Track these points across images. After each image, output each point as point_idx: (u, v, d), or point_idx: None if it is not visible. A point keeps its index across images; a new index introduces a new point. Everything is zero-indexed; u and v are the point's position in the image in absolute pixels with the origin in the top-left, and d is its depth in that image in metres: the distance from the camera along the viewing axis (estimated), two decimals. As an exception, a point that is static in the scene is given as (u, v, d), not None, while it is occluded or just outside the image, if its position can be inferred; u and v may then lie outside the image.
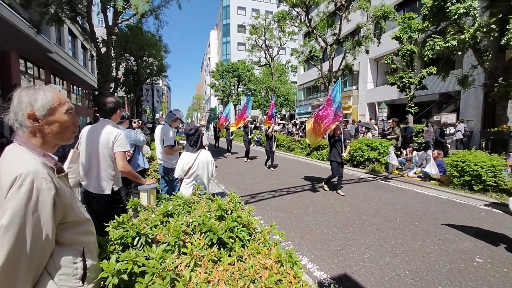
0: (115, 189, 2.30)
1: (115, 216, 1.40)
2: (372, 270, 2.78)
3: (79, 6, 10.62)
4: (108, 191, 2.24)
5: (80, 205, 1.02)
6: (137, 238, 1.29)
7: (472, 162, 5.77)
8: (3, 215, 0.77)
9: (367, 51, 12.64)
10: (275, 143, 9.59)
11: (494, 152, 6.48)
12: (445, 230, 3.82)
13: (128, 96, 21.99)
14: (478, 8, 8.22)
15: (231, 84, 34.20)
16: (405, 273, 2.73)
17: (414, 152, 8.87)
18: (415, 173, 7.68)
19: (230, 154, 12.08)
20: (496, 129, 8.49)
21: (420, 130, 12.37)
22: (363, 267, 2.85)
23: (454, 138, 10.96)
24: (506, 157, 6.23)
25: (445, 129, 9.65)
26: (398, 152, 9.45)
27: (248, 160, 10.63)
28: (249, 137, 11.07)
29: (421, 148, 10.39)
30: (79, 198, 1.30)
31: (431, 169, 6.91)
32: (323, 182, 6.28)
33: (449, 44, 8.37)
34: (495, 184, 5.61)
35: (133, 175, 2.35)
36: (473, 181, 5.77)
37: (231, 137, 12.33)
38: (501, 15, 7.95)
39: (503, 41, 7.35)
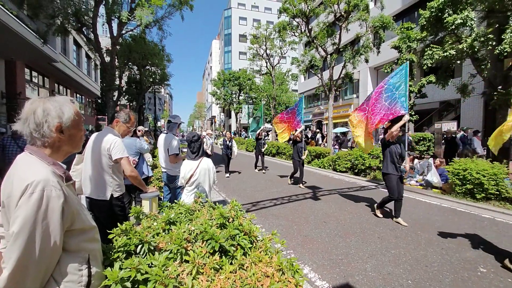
0: (115, 195, 2.32)
1: (117, 223, 1.42)
2: (374, 280, 2.75)
3: (85, 18, 10.88)
4: (106, 197, 2.27)
5: (87, 213, 1.05)
6: (140, 246, 1.30)
7: (474, 170, 5.75)
8: (14, 222, 0.80)
9: (366, 61, 12.79)
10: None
11: (496, 160, 6.46)
12: (448, 239, 3.78)
13: (131, 104, 22.21)
14: (475, 19, 8.37)
15: (233, 92, 34.55)
16: (407, 283, 2.69)
17: (416, 160, 8.86)
18: (417, 181, 7.64)
19: (302, 186, 7.28)
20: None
21: (421, 138, 12.37)
22: (365, 276, 2.82)
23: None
24: (507, 165, 6.21)
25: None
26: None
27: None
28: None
29: (423, 156, 10.38)
30: (85, 206, 1.33)
31: (433, 177, 6.89)
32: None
33: (448, 53, 8.47)
34: (498, 193, 5.57)
35: (139, 181, 2.41)
36: (475, 190, 5.74)
37: (303, 156, 7.28)
38: (498, 25, 8.08)
39: (497, 50, 7.45)
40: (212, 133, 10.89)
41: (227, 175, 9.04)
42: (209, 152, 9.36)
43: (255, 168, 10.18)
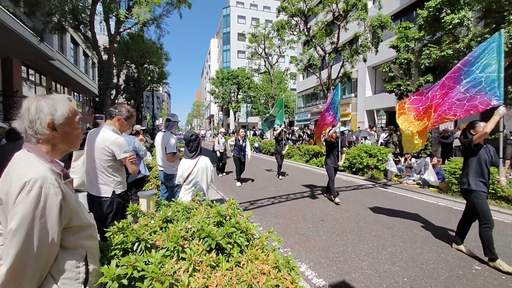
0: (117, 192, 2.31)
1: (115, 221, 1.43)
2: (371, 278, 2.78)
3: (82, 15, 10.83)
4: (107, 194, 2.26)
5: (85, 210, 1.06)
6: (136, 244, 1.31)
7: (470, 169, 5.79)
8: (12, 219, 0.81)
9: (364, 60, 12.84)
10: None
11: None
12: (444, 237, 3.82)
13: (129, 102, 22.18)
14: (472, 19, 8.43)
15: (231, 91, 34.54)
16: (403, 281, 2.72)
17: (413, 159, 8.91)
18: (414, 180, 7.70)
19: (337, 201, 5.52)
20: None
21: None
22: (362, 274, 2.85)
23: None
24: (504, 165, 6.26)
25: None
26: (397, 159, 9.49)
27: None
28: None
29: (420, 155, 10.43)
30: (83, 204, 1.34)
31: (430, 176, 6.94)
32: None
33: (445, 53, 8.53)
34: (493, 191, 5.63)
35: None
36: (471, 188, 5.78)
37: (340, 162, 5.68)
38: (494, 25, 8.14)
39: None
40: (224, 131, 9.01)
41: (239, 183, 7.47)
42: (222, 151, 9.02)
43: (278, 176, 8.44)
